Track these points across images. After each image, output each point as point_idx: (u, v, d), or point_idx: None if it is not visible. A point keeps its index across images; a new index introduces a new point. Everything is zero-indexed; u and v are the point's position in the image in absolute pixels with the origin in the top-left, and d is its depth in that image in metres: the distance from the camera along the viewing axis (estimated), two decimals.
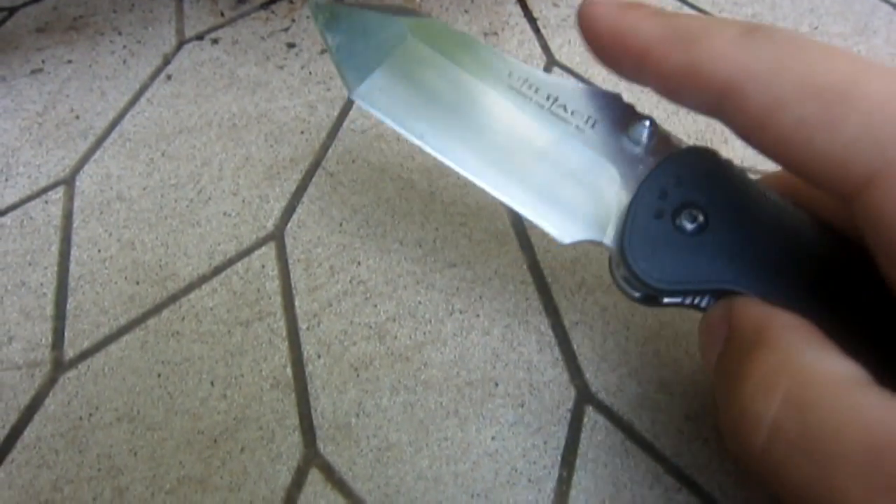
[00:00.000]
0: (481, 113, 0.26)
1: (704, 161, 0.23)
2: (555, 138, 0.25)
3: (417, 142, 0.26)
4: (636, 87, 0.23)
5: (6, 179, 0.40)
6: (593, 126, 0.25)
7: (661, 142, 0.24)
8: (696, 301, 0.23)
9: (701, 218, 0.22)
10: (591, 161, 0.24)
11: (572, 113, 0.25)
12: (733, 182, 0.22)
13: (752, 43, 0.19)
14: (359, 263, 0.35)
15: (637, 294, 0.24)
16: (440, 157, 0.26)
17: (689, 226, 0.22)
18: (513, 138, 0.25)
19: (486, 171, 0.25)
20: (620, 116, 0.25)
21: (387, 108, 0.26)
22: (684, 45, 0.20)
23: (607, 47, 0.23)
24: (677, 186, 0.22)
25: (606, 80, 0.44)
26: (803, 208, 0.22)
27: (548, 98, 0.25)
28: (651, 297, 0.24)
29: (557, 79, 0.26)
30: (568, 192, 0.24)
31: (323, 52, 0.47)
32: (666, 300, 0.23)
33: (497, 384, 0.31)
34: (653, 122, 0.24)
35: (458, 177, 0.38)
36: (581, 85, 0.26)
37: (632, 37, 0.22)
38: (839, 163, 0.17)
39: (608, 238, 0.24)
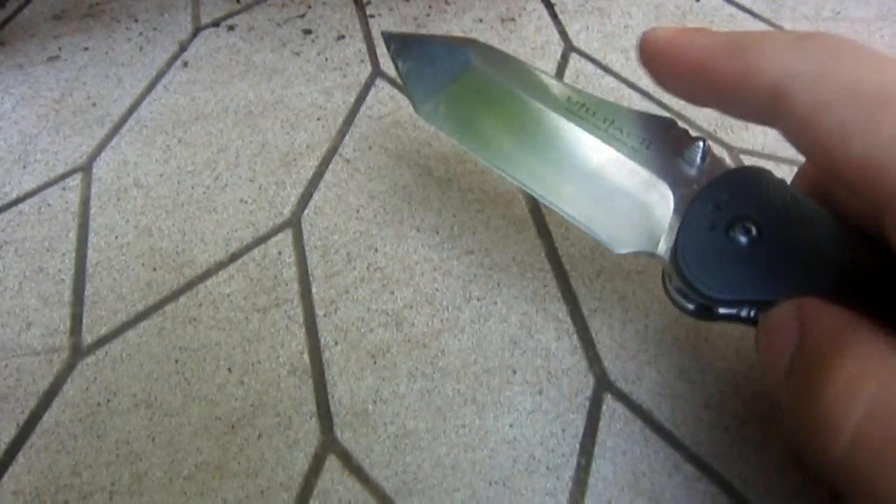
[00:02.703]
0: (539, 132, 0.27)
1: (757, 178, 0.23)
2: (611, 157, 0.26)
3: (477, 156, 0.28)
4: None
5: (24, 166, 0.40)
6: (648, 147, 0.26)
7: (714, 163, 0.25)
8: (749, 314, 0.23)
9: (754, 231, 0.22)
10: (645, 179, 0.25)
11: (628, 135, 0.26)
12: (785, 197, 0.23)
13: (803, 48, 0.19)
14: (376, 250, 0.35)
15: (691, 306, 0.24)
16: (497, 170, 0.27)
17: (742, 238, 0.22)
18: (569, 155, 0.26)
19: (542, 182, 0.26)
20: (674, 139, 0.26)
21: (450, 126, 0.29)
22: (738, 53, 0.20)
23: (666, 64, 0.23)
24: (731, 201, 0.23)
25: (625, 66, 0.44)
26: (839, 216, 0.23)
27: (604, 120, 0.27)
28: (706, 309, 0.24)
29: (613, 103, 0.27)
30: (622, 206, 0.25)
31: (340, 38, 0.47)
32: (722, 311, 0.24)
33: (515, 371, 0.31)
34: (706, 144, 0.25)
35: (477, 164, 0.38)
36: (637, 110, 0.27)
37: (689, 51, 0.22)
38: (874, 168, 0.17)
39: (661, 251, 0.24)
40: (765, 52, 0.19)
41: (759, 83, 0.19)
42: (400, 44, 0.31)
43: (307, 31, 0.48)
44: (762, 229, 0.22)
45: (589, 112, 0.27)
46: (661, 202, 0.24)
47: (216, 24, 0.49)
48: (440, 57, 0.30)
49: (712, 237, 0.23)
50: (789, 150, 0.38)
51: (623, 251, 0.25)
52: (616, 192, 0.25)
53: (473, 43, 0.31)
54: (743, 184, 0.23)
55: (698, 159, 0.25)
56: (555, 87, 0.28)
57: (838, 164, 0.18)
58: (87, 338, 0.33)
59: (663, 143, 0.26)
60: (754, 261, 0.22)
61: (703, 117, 0.40)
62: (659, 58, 0.23)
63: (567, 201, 0.26)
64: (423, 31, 0.46)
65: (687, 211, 0.24)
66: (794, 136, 0.19)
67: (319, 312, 0.33)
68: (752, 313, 0.23)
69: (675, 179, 0.25)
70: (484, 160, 0.28)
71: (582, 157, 0.26)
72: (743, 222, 0.22)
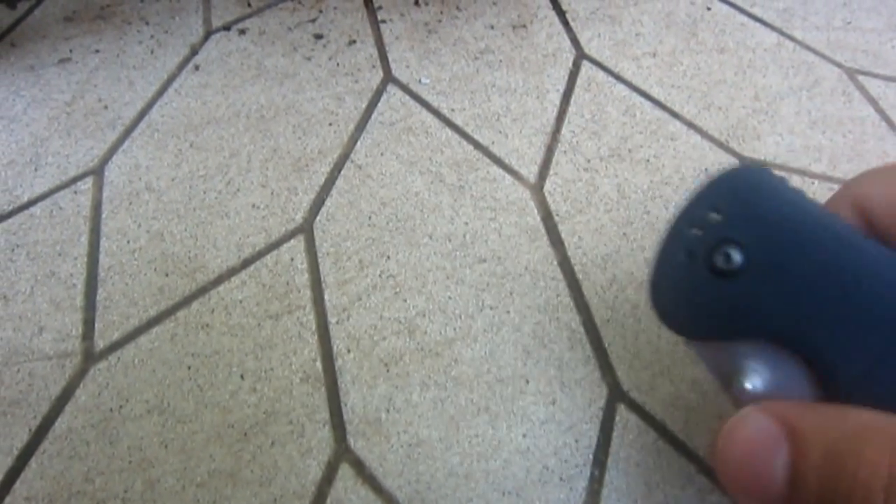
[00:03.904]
0: None
1: (750, 187, 0.20)
2: None
3: None
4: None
5: (36, 169, 0.40)
6: None
7: None
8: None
9: (738, 257, 0.19)
10: None
11: None
12: (784, 210, 0.19)
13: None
14: (388, 257, 0.35)
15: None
16: None
17: (725, 266, 0.19)
18: None
19: None
20: None
21: None
22: None
23: None
24: (717, 219, 0.20)
25: (636, 74, 0.44)
26: (879, 238, 0.19)
27: None
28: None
29: None
30: None
31: (351, 43, 0.47)
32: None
33: (528, 381, 0.31)
34: None
35: (488, 171, 0.38)
36: None
37: None
38: None
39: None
40: None
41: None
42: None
43: (318, 36, 0.48)
44: (750, 254, 0.19)
45: None
46: None
47: (227, 27, 0.49)
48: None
49: (690, 268, 0.20)
50: (802, 160, 0.38)
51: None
52: None
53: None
54: (732, 196, 0.20)
55: None
56: None
57: None
58: (100, 343, 0.33)
59: None
60: (737, 293, 0.19)
61: (714, 126, 0.40)
62: None
63: None
64: (433, 37, 0.46)
65: (666, 234, 0.21)
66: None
67: (332, 320, 0.33)
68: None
69: None
70: None
71: None
72: (727, 246, 0.19)
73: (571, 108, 0.42)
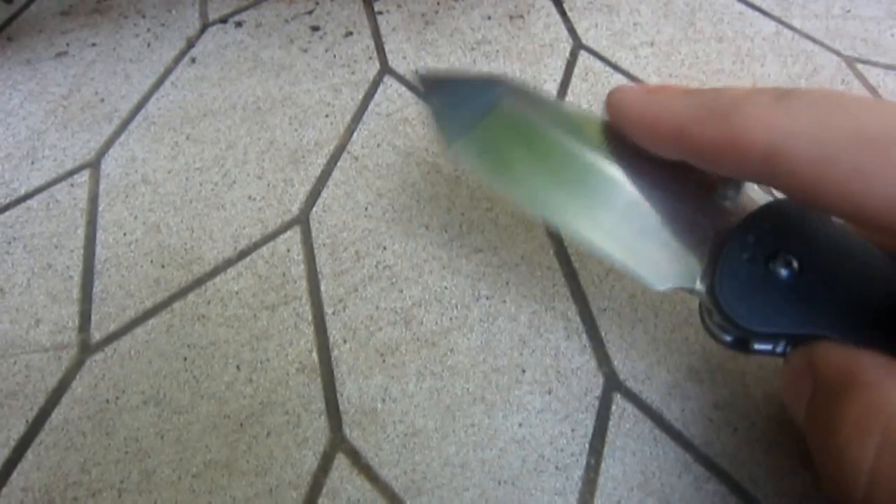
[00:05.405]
0: (571, 168, 0.26)
1: (796, 211, 0.23)
2: (643, 193, 0.25)
3: (507, 194, 0.28)
4: None
5: (32, 162, 0.40)
6: (681, 180, 0.25)
7: (748, 200, 0.24)
8: (785, 349, 0.23)
9: (795, 264, 0.22)
10: (680, 214, 0.25)
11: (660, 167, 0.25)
12: (826, 230, 0.22)
13: (788, 105, 0.19)
14: (384, 248, 0.35)
15: (729, 339, 0.24)
16: (527, 208, 0.29)
17: (782, 271, 0.22)
18: (602, 194, 0.26)
19: (575, 221, 0.26)
20: (707, 176, 0.25)
21: (480, 165, 0.28)
22: (719, 118, 0.20)
23: (642, 131, 0.23)
24: (771, 233, 0.22)
25: (634, 64, 0.44)
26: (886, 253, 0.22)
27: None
28: (743, 342, 0.23)
29: None
30: (658, 244, 0.25)
31: (348, 34, 0.47)
32: (757, 345, 0.23)
33: (524, 371, 0.31)
34: (740, 183, 0.24)
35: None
36: None
37: (665, 118, 0.22)
38: None
39: (699, 286, 0.23)
40: (749, 114, 0.19)
41: (749, 147, 0.19)
42: (431, 82, 0.32)
43: (315, 28, 0.48)
44: (803, 263, 0.22)
45: None
46: (698, 236, 0.24)
47: (224, 20, 0.49)
48: (469, 96, 0.30)
49: (751, 269, 0.22)
50: None
51: (662, 288, 0.24)
52: (649, 230, 0.25)
53: (504, 80, 0.31)
54: (782, 216, 0.23)
55: (734, 193, 0.24)
56: (587, 122, 0.27)
57: (864, 211, 0.18)
58: (96, 335, 0.33)
59: (697, 175, 0.25)
60: (794, 295, 0.21)
61: None
62: (633, 127, 0.24)
63: (602, 241, 0.25)
64: (430, 28, 0.46)
65: (725, 243, 0.23)
66: (801, 190, 0.19)
67: (328, 310, 0.33)
68: (788, 348, 0.23)
69: (711, 213, 0.24)
70: (515, 199, 0.27)
71: (610, 194, 0.25)
72: (783, 255, 0.22)
73: (568, 98, 0.42)
